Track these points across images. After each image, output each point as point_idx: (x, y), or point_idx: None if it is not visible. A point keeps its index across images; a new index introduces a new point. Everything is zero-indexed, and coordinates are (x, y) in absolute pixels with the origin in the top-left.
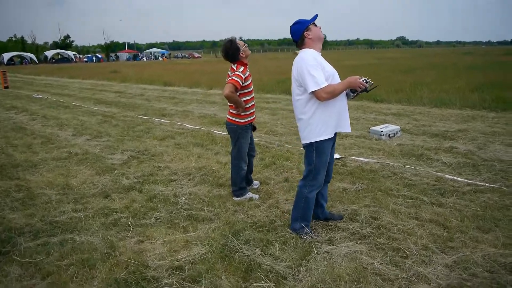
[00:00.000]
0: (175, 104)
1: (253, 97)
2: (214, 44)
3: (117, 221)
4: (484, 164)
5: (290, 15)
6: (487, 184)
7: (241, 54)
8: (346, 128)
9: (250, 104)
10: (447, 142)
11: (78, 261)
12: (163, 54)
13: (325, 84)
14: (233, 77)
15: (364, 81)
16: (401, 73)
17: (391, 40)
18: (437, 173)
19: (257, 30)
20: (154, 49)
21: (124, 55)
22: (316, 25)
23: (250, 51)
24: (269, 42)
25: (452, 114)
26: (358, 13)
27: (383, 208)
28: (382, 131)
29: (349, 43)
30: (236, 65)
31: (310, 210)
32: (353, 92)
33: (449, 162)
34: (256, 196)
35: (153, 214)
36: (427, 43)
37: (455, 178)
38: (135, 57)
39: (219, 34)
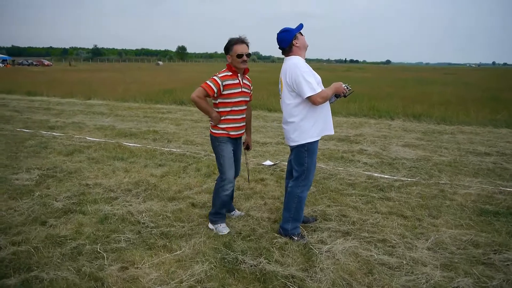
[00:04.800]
0: (57, 115)
1: (234, 110)
2: (64, 51)
3: (80, 250)
4: (396, 162)
5: (145, 24)
6: (409, 179)
7: (227, 57)
8: (331, 131)
9: (227, 117)
10: (355, 145)
11: None
12: (4, 60)
13: (319, 89)
14: (207, 81)
15: (345, 86)
16: (275, 85)
17: None
18: (366, 172)
19: (113, 39)
20: None
21: None
22: (302, 34)
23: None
24: (126, 51)
25: (343, 122)
26: (217, 27)
27: (345, 206)
28: None
29: (210, 56)
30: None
31: (302, 210)
32: (337, 97)
33: (369, 163)
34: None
35: (120, 236)
36: (278, 58)
37: (382, 175)
38: None
39: (69, 40)
